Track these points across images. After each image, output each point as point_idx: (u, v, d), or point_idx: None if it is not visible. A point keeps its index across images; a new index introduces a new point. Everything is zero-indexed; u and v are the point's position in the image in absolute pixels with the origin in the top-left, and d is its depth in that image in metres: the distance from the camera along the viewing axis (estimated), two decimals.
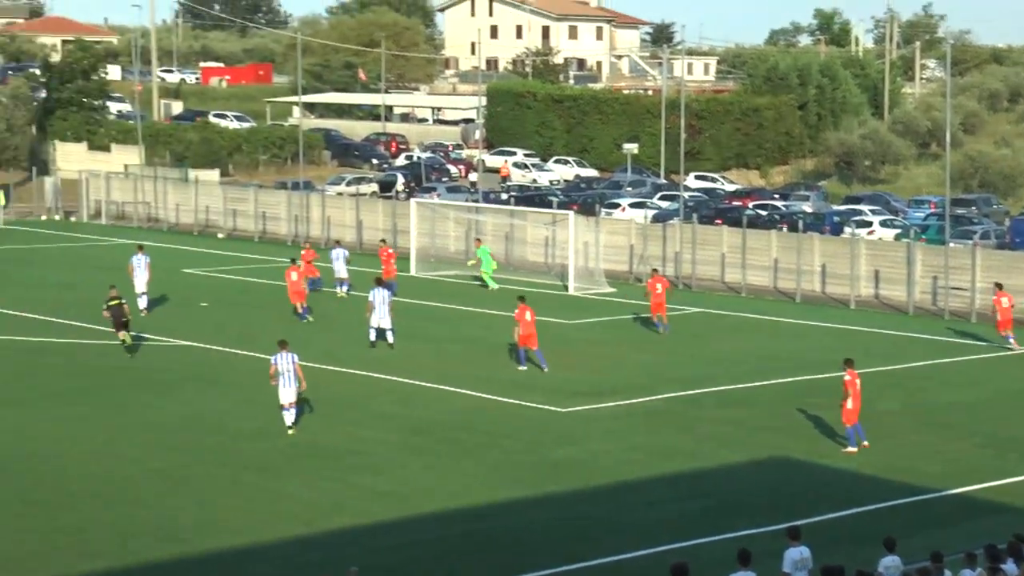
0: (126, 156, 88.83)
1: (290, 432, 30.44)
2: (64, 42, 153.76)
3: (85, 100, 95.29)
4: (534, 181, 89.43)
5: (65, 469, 27.36)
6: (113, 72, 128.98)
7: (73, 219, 77.44)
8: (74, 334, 42.11)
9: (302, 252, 51.16)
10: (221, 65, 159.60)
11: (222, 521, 24.62)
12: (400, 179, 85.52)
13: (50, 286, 51.94)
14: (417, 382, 36.13)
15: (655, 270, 47.25)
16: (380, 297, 40.55)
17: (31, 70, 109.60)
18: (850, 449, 29.88)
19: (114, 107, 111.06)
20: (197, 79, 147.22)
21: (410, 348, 40.54)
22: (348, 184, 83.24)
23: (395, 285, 50.04)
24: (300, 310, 45.08)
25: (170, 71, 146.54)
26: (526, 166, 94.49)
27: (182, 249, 64.21)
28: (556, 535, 24.51)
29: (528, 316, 37.56)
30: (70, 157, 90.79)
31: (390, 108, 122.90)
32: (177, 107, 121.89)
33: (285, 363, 30.45)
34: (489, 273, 53.67)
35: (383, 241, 55.76)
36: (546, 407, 33.65)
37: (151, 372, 36.69)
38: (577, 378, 37.05)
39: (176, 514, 24.97)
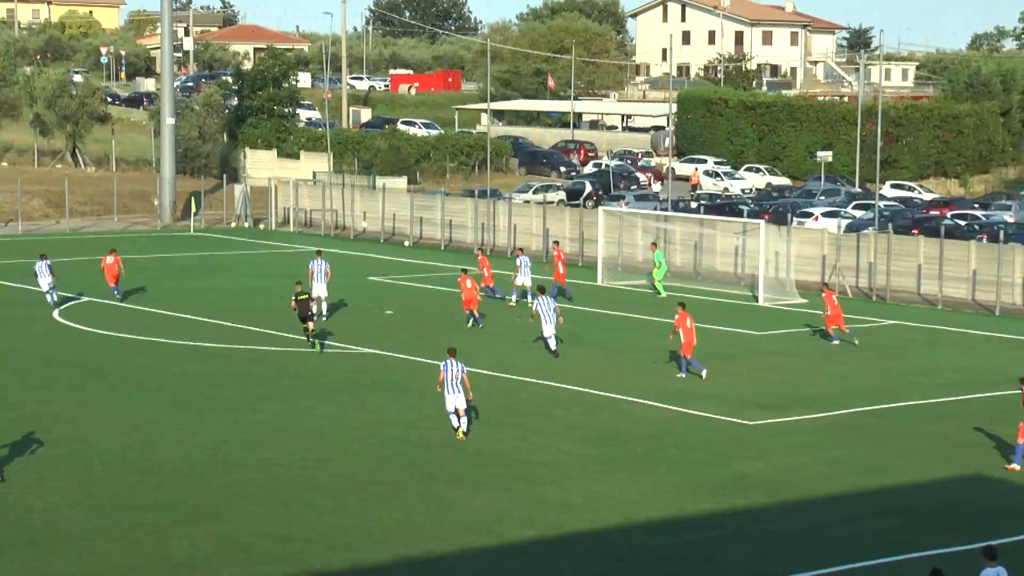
0: (314, 163, 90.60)
1: (461, 438, 30.70)
2: (256, 50, 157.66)
3: (275, 108, 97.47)
4: (725, 190, 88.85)
5: (242, 476, 27.88)
6: (303, 80, 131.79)
7: (262, 226, 79.19)
8: (256, 340, 43.03)
9: (478, 259, 51.82)
10: (410, 72, 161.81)
11: (409, 530, 24.85)
12: (588, 187, 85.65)
13: (235, 292, 53.15)
14: (600, 392, 36.16)
15: (826, 284, 47.38)
16: (545, 305, 40.94)
17: (224, 78, 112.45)
18: (1014, 466, 29.28)
19: (304, 115, 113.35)
20: (386, 86, 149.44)
21: (593, 357, 40.58)
22: (535, 192, 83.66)
23: (568, 289, 50.77)
24: (475, 316, 45.57)
25: (360, 78, 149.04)
26: (718, 175, 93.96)
27: (368, 257, 65.24)
28: (744, 550, 24.31)
29: (688, 323, 37.82)
30: (260, 164, 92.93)
31: (579, 115, 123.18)
32: (366, 114, 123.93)
33: (453, 371, 30.88)
34: (660, 279, 53.79)
35: (556, 243, 56.27)
36: (734, 420, 33.40)
37: (333, 379, 37.28)
38: (766, 390, 36.72)
39: (357, 522, 25.23)
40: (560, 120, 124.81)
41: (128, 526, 24.50)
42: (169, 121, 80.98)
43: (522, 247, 58.64)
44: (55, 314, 46.44)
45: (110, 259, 50.05)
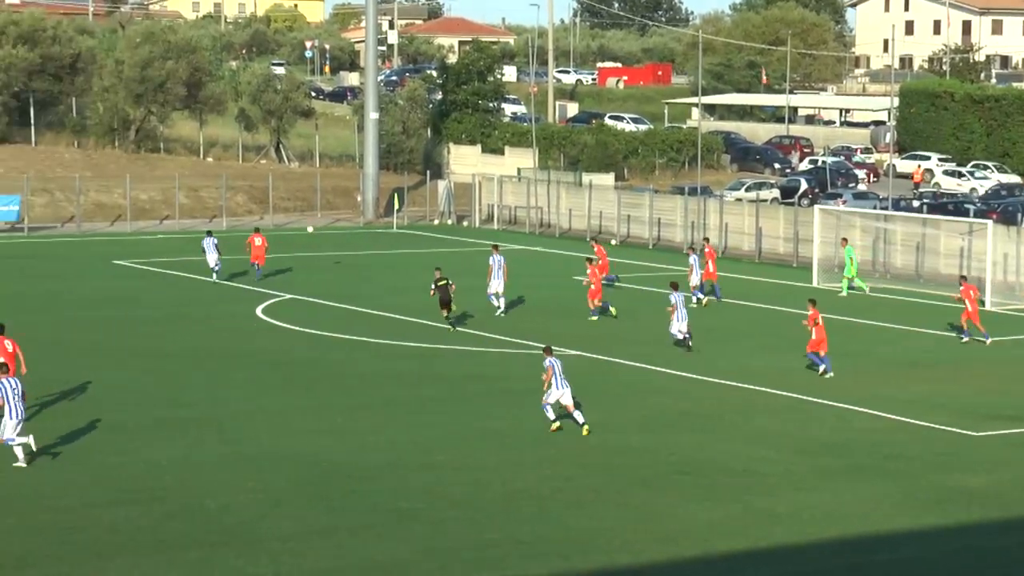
0: (519, 159, 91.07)
1: (585, 433, 31.29)
2: (461, 43, 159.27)
3: (480, 102, 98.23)
4: (973, 190, 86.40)
5: (433, 479, 27.98)
6: (508, 73, 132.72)
7: (465, 223, 79.88)
8: (455, 339, 43.37)
9: (594, 249, 52.58)
10: (618, 65, 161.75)
11: (611, 539, 24.71)
12: (803, 185, 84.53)
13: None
14: (806, 397, 35.62)
15: (963, 277, 46.88)
16: (679, 301, 41.97)
17: (428, 72, 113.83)
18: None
19: (508, 109, 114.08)
20: (594, 80, 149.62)
21: (796, 361, 40.02)
22: (747, 190, 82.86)
23: (718, 288, 51.35)
24: (595, 306, 46.55)
25: (566, 72, 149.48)
26: (960, 173, 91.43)
27: (573, 256, 65.35)
28: (969, 569, 23.66)
29: (821, 321, 38.44)
30: (464, 160, 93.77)
31: (794, 109, 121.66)
32: (572, 109, 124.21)
33: (558, 366, 31.63)
34: (849, 277, 53.21)
35: (706, 240, 56.08)
36: (956, 430, 32.59)
37: (515, 382, 37.34)
38: (993, 401, 35.76)
39: (557, 530, 25.16)
40: (774, 115, 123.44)
41: (322, 528, 24.84)
42: (373, 116, 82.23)
43: (700, 241, 57.78)
44: (258, 311, 47.47)
45: (258, 240, 54.03)
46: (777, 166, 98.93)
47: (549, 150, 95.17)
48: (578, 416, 31.62)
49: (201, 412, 33.13)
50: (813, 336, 38.37)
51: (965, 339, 43.36)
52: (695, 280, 50.33)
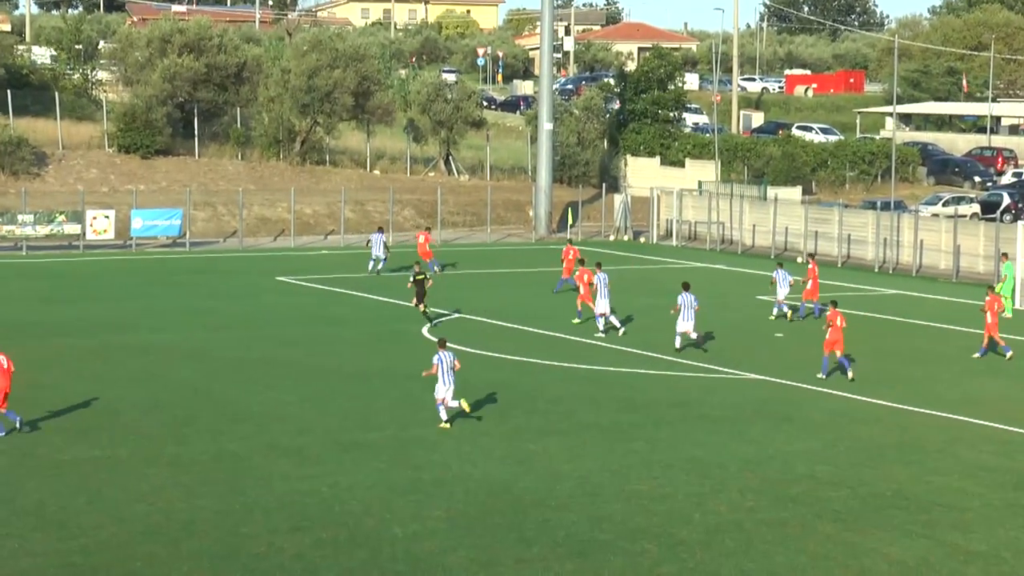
0: (700, 172, 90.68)
1: (444, 427, 33.65)
2: (640, 49, 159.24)
3: (660, 112, 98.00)
4: None
5: (630, 509, 27.82)
6: (690, 81, 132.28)
7: (642, 239, 79.70)
8: (635, 363, 43.24)
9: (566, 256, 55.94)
10: (807, 72, 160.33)
11: (792, 574, 24.46)
12: (1006, 199, 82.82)
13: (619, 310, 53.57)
14: (1018, 429, 34.86)
15: (991, 287, 47.46)
16: (685, 303, 44.22)
17: (605, 80, 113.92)
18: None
19: (690, 119, 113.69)
20: (780, 88, 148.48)
21: (1009, 389, 39.11)
22: (945, 204, 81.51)
23: (817, 308, 51.41)
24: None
25: (752, 79, 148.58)
26: None
27: (756, 275, 64.83)
28: None
29: (839, 321, 40.42)
30: (641, 173, 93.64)
31: (997, 119, 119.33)
32: (757, 119, 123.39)
33: (447, 362, 33.94)
34: (1008, 296, 52.38)
35: (811, 256, 55.88)
36: None
37: (713, 408, 37.09)
38: None
39: (754, 566, 24.92)
40: (975, 125, 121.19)
41: (514, 559, 24.81)
42: (547, 126, 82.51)
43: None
44: (424, 331, 47.84)
45: (421, 238, 60.05)
46: (977, 179, 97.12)
47: (732, 162, 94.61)
48: (462, 404, 34.05)
49: (385, 435, 33.39)
50: (829, 336, 40.49)
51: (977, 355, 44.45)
52: (781, 295, 51.26)
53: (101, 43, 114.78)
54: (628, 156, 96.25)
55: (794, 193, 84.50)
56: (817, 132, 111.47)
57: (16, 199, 72.16)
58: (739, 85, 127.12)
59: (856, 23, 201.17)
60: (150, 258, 68.08)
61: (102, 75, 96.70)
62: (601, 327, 47.50)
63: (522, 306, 53.56)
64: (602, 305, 47.44)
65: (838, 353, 40.59)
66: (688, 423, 35.41)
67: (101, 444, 31.59)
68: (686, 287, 44.82)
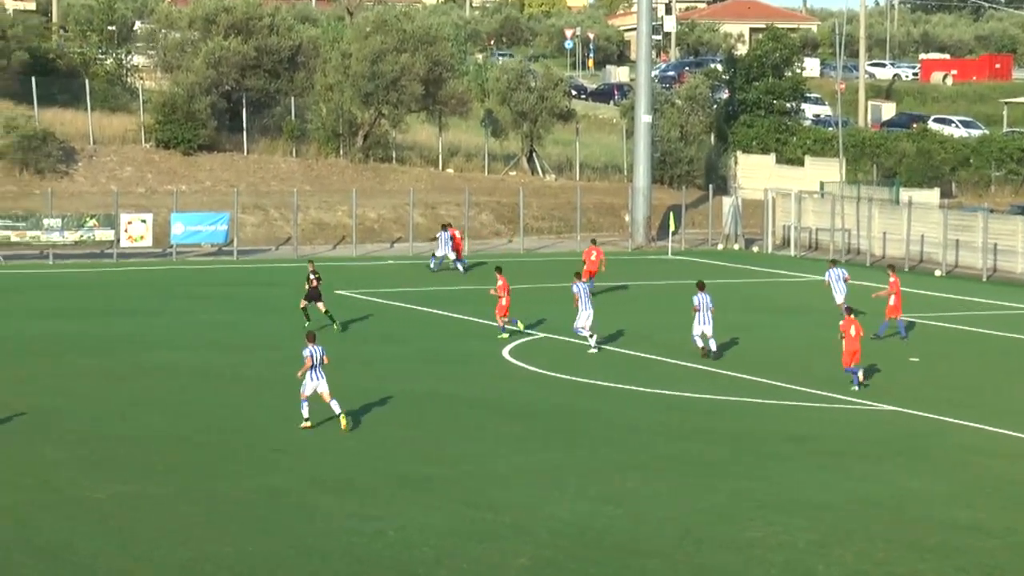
0: (822, 171, 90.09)
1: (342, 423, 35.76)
2: (752, 30, 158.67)
3: (775, 102, 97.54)
4: None
5: (736, 560, 27.49)
6: (810, 67, 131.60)
7: (755, 248, 79.28)
8: (742, 390, 42.95)
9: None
10: (946, 57, 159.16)
11: None
12: None
13: (717, 329, 53.27)
14: None
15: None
16: (703, 303, 47.02)
17: (712, 65, 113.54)
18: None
19: (810, 110, 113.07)
20: (915, 74, 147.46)
21: None
22: None
23: (902, 325, 52.03)
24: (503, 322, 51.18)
25: (882, 65, 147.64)
26: None
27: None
28: None
29: (853, 331, 42.70)
30: (754, 172, 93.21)
31: None
32: (888, 110, 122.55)
33: (317, 356, 36.01)
34: None
35: (891, 267, 56.08)
36: None
37: (834, 442, 36.74)
38: None
39: None
40: None
41: None
42: (645, 119, 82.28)
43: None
44: (505, 352, 47.74)
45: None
46: None
47: (859, 160, 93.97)
48: (335, 406, 35.92)
49: (452, 470, 33.26)
50: (846, 346, 43.00)
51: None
52: (839, 298, 53.34)
53: (137, 24, 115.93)
54: (738, 153, 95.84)
55: (931, 196, 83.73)
56: (957, 126, 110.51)
57: (41, 201, 72.70)
58: (867, 71, 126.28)
59: (1003, 0, 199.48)
60: (192, 268, 68.45)
61: (138, 60, 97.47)
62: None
63: (612, 324, 53.33)
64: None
65: (855, 362, 43.08)
66: (804, 459, 35.06)
67: (128, 478, 31.64)
68: (701, 287, 47.51)
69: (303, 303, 51.71)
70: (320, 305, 51.58)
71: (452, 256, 67.19)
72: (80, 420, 36.94)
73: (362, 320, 54.13)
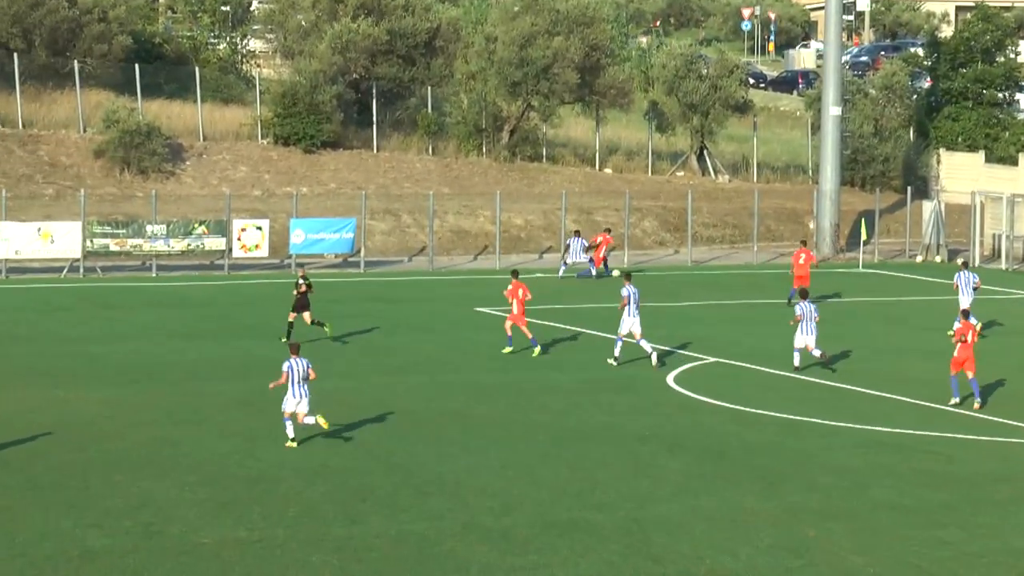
0: None
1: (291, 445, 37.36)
2: (959, 9, 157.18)
3: (985, 92, 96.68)
4: None
5: None
6: None
7: (959, 260, 78.53)
8: (956, 426, 42.78)
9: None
10: None
11: None
12: None
13: (929, 353, 53.04)
14: None
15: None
16: (807, 312, 48.62)
17: (912, 50, 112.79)
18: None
19: None
20: None
21: None
22: None
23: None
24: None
25: None
26: None
27: None
28: None
29: (970, 337, 44.20)
30: (960, 172, 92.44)
31: None
32: None
33: (298, 370, 37.65)
34: None
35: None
36: None
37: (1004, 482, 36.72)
38: None
39: None
40: None
41: None
42: (834, 111, 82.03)
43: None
44: (669, 380, 47.85)
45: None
46: None
47: None
48: (319, 421, 37.61)
49: (615, 516, 33.39)
50: (957, 354, 44.50)
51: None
52: (965, 303, 54.61)
53: (254, 4, 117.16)
54: (942, 151, 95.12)
55: None
56: None
57: (145, 205, 73.47)
58: None
59: None
60: (314, 281, 68.77)
61: (255, 45, 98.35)
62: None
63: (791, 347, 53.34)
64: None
65: (969, 375, 44.20)
66: (1022, 504, 34.90)
67: (251, 521, 31.89)
68: (804, 295, 50.87)
69: (291, 316, 52.61)
70: (307, 316, 52.46)
71: (582, 262, 70.43)
72: (200, 453, 37.40)
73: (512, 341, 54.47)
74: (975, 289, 56.91)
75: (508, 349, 51.67)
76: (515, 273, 53.04)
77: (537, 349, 51.19)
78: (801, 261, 61.94)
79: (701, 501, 34.43)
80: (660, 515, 33.36)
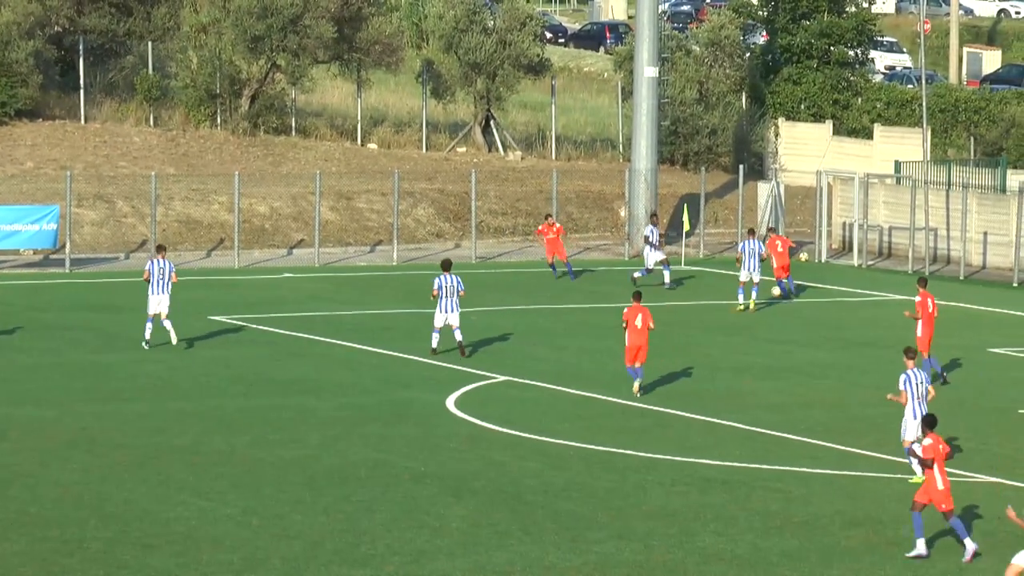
0: (898, 147, 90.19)
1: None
2: None
3: (832, 49, 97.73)
4: None
5: None
6: (884, 1, 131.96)
7: (803, 256, 79.25)
8: (763, 455, 43.30)
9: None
10: None
11: None
12: None
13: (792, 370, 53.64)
14: None
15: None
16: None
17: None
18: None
19: (880, 60, 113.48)
20: None
21: None
22: None
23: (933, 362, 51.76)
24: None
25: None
26: None
27: (984, 312, 64.87)
28: None
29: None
30: (802, 147, 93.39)
31: None
32: (991, 60, 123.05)
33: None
34: None
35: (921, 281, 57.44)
36: None
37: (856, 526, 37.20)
38: None
39: None
40: None
41: None
42: (649, 73, 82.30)
43: None
44: (450, 404, 47.89)
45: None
46: None
47: (950, 131, 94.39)
48: (168, 325, 42.14)
49: (385, 571, 33.17)
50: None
51: None
52: (745, 276, 59.64)
53: None
54: (780, 121, 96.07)
55: None
56: None
57: None
58: (962, 6, 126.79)
59: None
60: (6, 285, 68.20)
61: None
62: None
63: (590, 361, 53.71)
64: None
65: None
66: (878, 554, 35.33)
67: None
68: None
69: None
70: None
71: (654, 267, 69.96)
72: None
73: (247, 359, 54.24)
74: (762, 260, 61.02)
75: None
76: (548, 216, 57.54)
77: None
78: (780, 248, 64.26)
79: (492, 556, 34.50)
80: (439, 573, 33.43)
